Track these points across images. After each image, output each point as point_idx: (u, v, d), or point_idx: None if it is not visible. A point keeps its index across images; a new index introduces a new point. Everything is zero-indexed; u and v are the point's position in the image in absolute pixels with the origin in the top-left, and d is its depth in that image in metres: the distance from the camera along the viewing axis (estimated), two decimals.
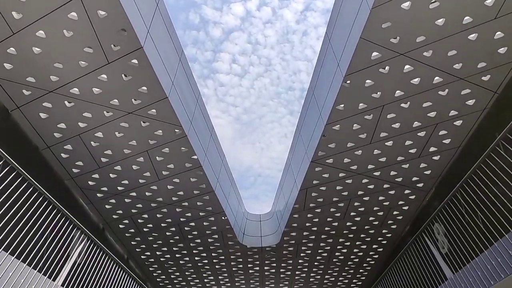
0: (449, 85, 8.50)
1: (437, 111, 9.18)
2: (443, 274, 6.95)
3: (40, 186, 6.09)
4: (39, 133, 9.45)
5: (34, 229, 6.01)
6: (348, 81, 8.43)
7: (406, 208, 13.15)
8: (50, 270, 6.20)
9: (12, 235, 5.44)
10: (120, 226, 13.83)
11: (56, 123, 9.22)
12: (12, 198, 5.56)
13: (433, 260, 7.47)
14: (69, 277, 6.65)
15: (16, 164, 5.66)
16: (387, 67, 8.13)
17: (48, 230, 6.36)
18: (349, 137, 10.06)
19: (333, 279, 19.05)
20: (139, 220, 13.55)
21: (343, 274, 18.52)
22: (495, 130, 5.65)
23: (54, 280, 6.23)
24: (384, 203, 12.87)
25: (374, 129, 9.76)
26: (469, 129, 9.64)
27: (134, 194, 12.09)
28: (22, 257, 5.53)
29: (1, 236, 5.32)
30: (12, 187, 5.58)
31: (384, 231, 14.63)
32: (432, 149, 10.38)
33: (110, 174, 11.10)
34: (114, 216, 13.23)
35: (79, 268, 7.10)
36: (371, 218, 13.79)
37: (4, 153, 5.64)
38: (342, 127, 9.73)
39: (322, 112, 9.86)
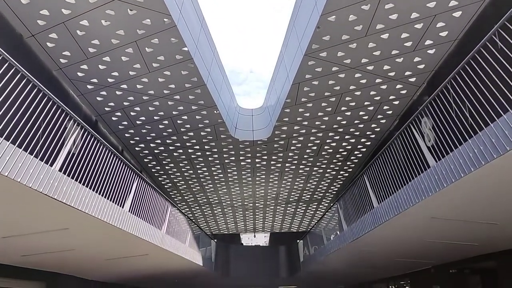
0: None
1: (437, 1, 8.81)
2: (426, 163, 7.24)
3: (28, 73, 5.97)
4: (22, 20, 9.02)
5: (26, 116, 6.01)
6: None
7: (396, 103, 13.32)
8: (47, 157, 6.34)
9: (4, 122, 5.46)
10: (113, 118, 13.95)
11: (39, 9, 8.75)
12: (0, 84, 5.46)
13: (419, 152, 7.73)
14: (65, 164, 6.84)
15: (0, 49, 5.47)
16: None
17: (41, 118, 6.36)
18: (344, 29, 9.76)
19: (321, 171, 19.96)
20: (131, 113, 13.64)
21: (331, 166, 19.36)
22: (495, 23, 5.45)
23: (51, 165, 6.40)
24: (375, 98, 12.98)
25: (370, 21, 9.43)
26: (467, 20, 9.36)
27: (125, 86, 11.99)
28: (17, 143, 5.61)
29: None
30: None
31: (373, 125, 14.98)
32: (428, 42, 10.17)
33: (99, 65, 10.87)
34: (106, 109, 13.28)
35: (75, 156, 7.28)
36: (361, 113, 14.01)
37: None
38: (337, 18, 9.38)
39: (318, 1, 9.42)
